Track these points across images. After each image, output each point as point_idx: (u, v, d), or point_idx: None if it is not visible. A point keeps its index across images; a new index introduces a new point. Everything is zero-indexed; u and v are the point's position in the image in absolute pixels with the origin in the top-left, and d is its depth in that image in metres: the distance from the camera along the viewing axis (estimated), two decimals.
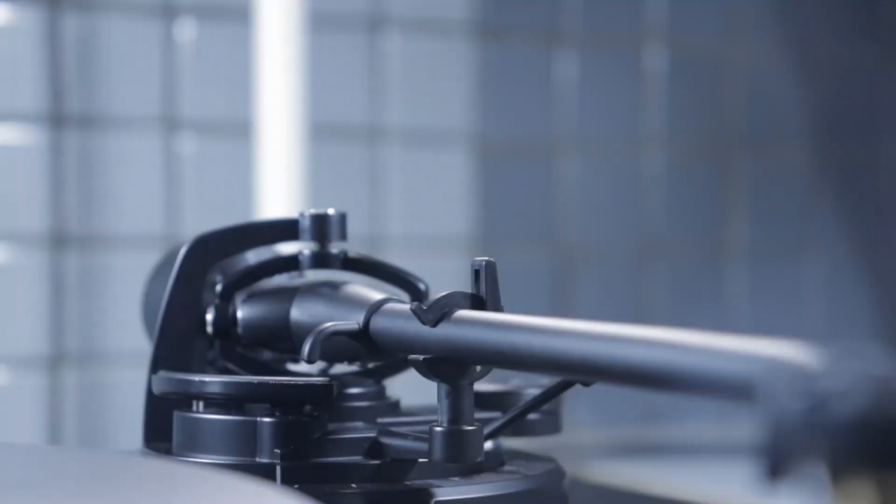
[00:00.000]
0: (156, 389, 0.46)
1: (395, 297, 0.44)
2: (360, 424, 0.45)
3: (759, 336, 0.29)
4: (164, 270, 0.50)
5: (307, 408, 0.43)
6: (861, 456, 0.22)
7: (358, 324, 0.43)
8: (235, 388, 0.43)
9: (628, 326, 0.33)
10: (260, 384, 0.43)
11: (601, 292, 1.31)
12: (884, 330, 1.21)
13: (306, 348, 0.42)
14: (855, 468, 0.22)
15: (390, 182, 1.23)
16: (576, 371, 0.33)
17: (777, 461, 0.23)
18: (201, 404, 0.45)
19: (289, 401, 0.42)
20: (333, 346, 0.43)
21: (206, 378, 0.44)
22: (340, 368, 0.49)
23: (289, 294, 0.48)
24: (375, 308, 0.43)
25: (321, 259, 0.49)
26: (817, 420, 0.23)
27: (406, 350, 0.42)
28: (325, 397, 0.42)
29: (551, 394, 0.43)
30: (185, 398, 0.45)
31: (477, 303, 0.40)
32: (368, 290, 0.45)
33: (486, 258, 0.41)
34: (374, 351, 0.43)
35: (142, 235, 1.13)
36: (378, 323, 0.43)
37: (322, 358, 0.43)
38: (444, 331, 0.39)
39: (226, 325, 0.48)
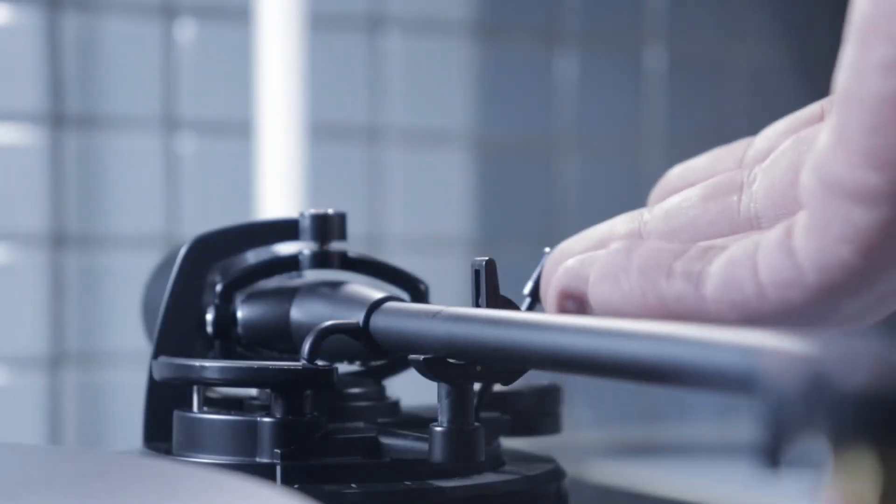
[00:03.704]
0: (156, 375, 0.45)
1: (395, 296, 0.44)
2: (360, 424, 0.45)
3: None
4: (164, 272, 0.50)
5: (307, 408, 0.43)
6: (862, 430, 0.22)
7: (358, 322, 0.43)
8: (235, 373, 0.43)
9: (627, 321, 0.33)
10: (259, 369, 0.43)
11: None
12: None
13: (306, 346, 0.42)
14: (856, 443, 0.22)
15: (390, 182, 1.23)
16: (577, 366, 0.33)
17: (777, 439, 0.23)
18: (202, 403, 0.45)
19: (289, 385, 0.42)
20: (333, 345, 0.43)
21: (206, 363, 0.44)
22: (341, 369, 0.49)
23: (289, 294, 0.48)
24: (375, 306, 0.43)
25: (321, 259, 0.48)
26: (817, 395, 0.23)
27: (406, 348, 0.42)
28: (326, 382, 0.42)
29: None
30: (185, 383, 0.45)
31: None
32: (368, 288, 0.45)
33: (486, 258, 0.41)
34: (375, 349, 0.43)
35: (142, 235, 1.13)
36: (378, 321, 0.43)
37: (322, 357, 0.43)
38: (444, 327, 0.39)
39: (226, 325, 0.48)
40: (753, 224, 0.36)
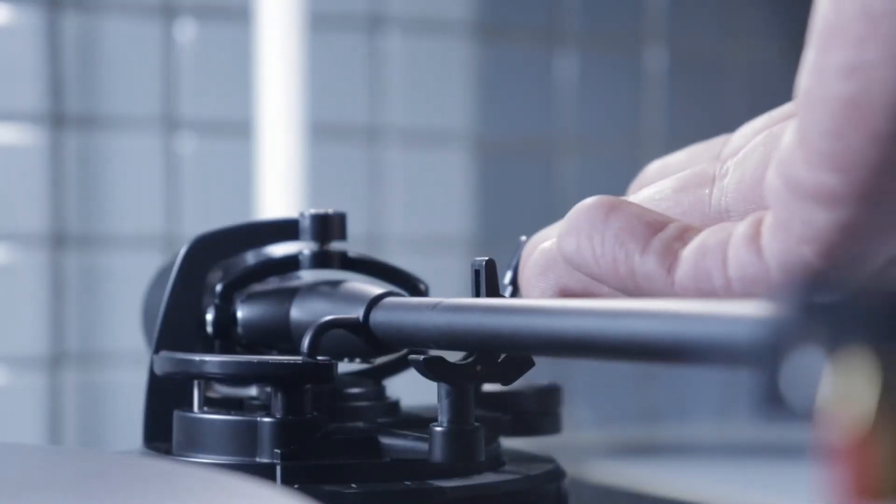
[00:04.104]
0: (157, 370, 0.45)
1: (395, 291, 0.44)
2: (360, 424, 0.45)
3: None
4: (163, 279, 0.50)
5: (307, 407, 0.43)
6: (860, 332, 0.22)
7: (358, 317, 0.43)
8: (235, 368, 0.43)
9: (623, 301, 0.33)
10: (260, 363, 0.43)
11: None
12: None
13: (306, 341, 0.42)
14: (855, 345, 0.22)
15: (390, 182, 1.23)
16: (578, 348, 0.33)
17: (776, 359, 0.23)
18: (202, 403, 0.45)
19: (289, 379, 0.42)
20: (334, 342, 0.43)
21: (207, 357, 0.44)
22: (342, 368, 0.49)
23: (289, 293, 0.48)
24: (375, 301, 0.43)
25: (321, 259, 0.48)
26: (812, 304, 0.23)
27: (407, 341, 0.42)
28: (326, 376, 0.42)
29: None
30: (185, 378, 0.45)
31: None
32: (368, 285, 0.45)
33: (486, 258, 0.41)
34: (375, 344, 0.43)
35: (142, 235, 1.13)
36: (378, 316, 0.43)
37: (323, 353, 0.43)
38: (444, 318, 0.39)
39: (226, 325, 0.48)
40: (724, 217, 0.37)
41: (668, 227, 0.36)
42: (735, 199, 0.36)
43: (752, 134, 0.39)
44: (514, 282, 0.44)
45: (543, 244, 0.40)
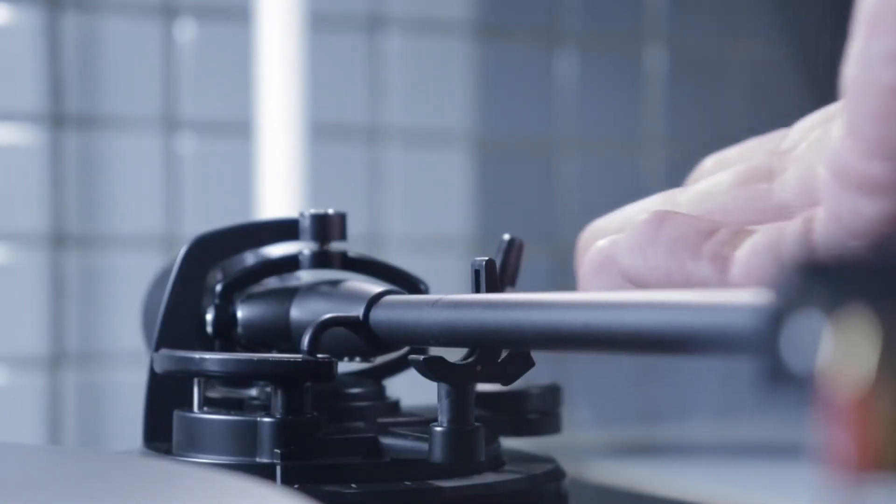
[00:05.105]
0: (157, 368, 0.45)
1: (396, 289, 0.44)
2: (360, 424, 0.45)
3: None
4: (164, 280, 0.50)
5: (307, 407, 0.43)
6: (859, 292, 0.22)
7: (358, 315, 0.43)
8: (235, 365, 0.43)
9: (621, 293, 0.33)
10: (260, 360, 0.43)
11: None
12: None
13: (306, 339, 0.42)
14: (854, 307, 0.22)
15: (390, 182, 1.23)
16: (577, 342, 0.33)
17: (777, 322, 0.23)
18: (202, 403, 0.45)
19: (289, 376, 0.42)
20: (334, 341, 0.43)
21: (207, 355, 0.44)
22: (342, 369, 0.49)
23: (289, 293, 0.48)
24: (376, 299, 0.43)
25: (321, 259, 0.48)
26: (810, 266, 0.23)
27: (407, 338, 0.42)
28: (326, 374, 0.42)
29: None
30: (185, 376, 0.45)
31: None
32: (368, 284, 0.45)
33: (486, 258, 0.41)
34: (375, 342, 0.43)
35: (142, 235, 1.13)
36: (378, 314, 0.43)
37: (323, 352, 0.43)
38: (444, 314, 0.39)
39: (226, 325, 0.48)
40: (783, 213, 0.37)
41: (720, 231, 0.36)
42: (796, 195, 0.37)
43: (809, 128, 0.39)
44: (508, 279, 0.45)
45: (599, 242, 0.41)
